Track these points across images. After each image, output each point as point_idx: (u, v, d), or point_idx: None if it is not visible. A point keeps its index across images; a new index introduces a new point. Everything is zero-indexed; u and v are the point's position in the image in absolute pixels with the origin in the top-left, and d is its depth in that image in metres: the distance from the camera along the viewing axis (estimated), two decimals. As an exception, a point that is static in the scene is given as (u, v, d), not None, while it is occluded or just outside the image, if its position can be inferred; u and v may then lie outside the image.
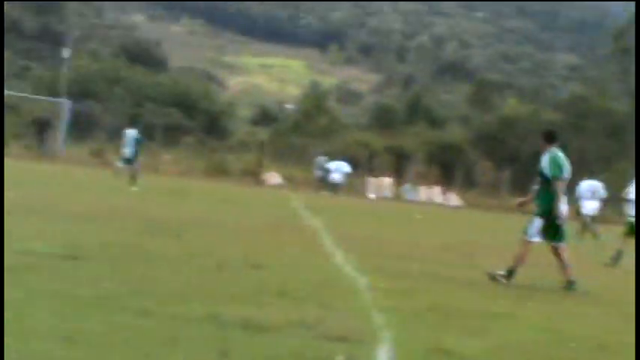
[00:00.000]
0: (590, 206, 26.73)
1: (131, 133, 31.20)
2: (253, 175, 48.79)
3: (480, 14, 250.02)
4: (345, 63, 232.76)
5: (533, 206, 12.36)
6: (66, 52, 61.45)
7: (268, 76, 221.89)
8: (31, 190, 20.80)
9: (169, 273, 9.51)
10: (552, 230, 12.13)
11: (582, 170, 42.16)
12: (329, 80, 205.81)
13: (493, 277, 11.81)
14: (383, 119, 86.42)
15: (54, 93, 57.08)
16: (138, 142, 30.83)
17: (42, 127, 52.79)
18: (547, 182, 12.18)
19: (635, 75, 65.23)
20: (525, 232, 12.14)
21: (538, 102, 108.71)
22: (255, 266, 10.74)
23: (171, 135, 59.77)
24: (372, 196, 46.78)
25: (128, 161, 30.42)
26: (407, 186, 48.89)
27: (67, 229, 13.00)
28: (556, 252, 12.25)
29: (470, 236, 22.36)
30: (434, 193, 48.45)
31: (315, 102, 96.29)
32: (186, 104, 77.04)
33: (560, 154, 12.35)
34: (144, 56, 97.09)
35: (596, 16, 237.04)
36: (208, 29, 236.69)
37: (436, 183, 50.92)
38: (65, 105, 52.56)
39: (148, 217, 12.45)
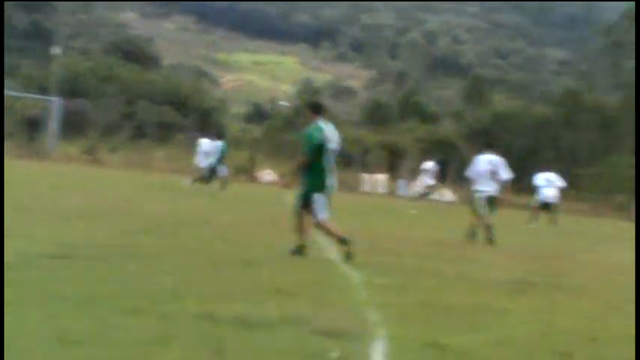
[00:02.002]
0: (549, 193, 27.08)
1: (217, 144, 32.31)
2: (247, 173, 48.79)
3: (471, 10, 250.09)
4: (338, 60, 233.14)
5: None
6: (56, 50, 61.36)
7: (261, 73, 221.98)
8: (22, 189, 20.75)
9: (162, 271, 9.48)
10: (310, 199, 12.12)
11: (575, 164, 42.43)
12: (322, 77, 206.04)
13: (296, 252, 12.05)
14: (376, 115, 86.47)
15: (45, 91, 57.03)
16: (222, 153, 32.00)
17: (33, 126, 52.75)
18: (318, 156, 12.07)
19: (635, 74, 65.33)
20: (314, 216, 12.14)
21: (530, 97, 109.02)
22: (250, 263, 10.73)
23: (163, 132, 59.82)
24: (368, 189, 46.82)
25: (212, 171, 31.70)
26: (401, 182, 48.87)
27: (58, 227, 12.97)
28: (301, 215, 12.31)
29: (464, 231, 22.36)
30: (428, 188, 48.40)
31: (308, 99, 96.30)
32: (178, 101, 77.00)
33: (322, 127, 12.19)
34: (136, 53, 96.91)
35: (586, 11, 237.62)
36: (200, 26, 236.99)
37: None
38: (56, 103, 52.48)
39: (140, 215, 12.42)
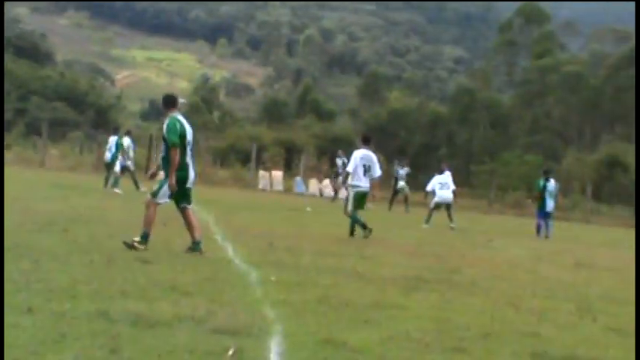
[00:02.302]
0: (444, 195, 27.54)
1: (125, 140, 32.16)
2: (144, 170, 48.32)
3: (367, 7, 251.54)
4: (235, 57, 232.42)
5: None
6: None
7: (157, 69, 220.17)
8: None
9: (56, 269, 9.37)
10: (180, 194, 12.35)
11: (470, 160, 43.07)
12: (219, 74, 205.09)
13: (131, 246, 11.85)
14: (273, 113, 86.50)
15: None
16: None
17: None
18: (169, 149, 12.23)
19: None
20: (154, 195, 12.29)
21: (425, 94, 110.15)
22: (145, 261, 10.66)
23: (58, 129, 58.89)
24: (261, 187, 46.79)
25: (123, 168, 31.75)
26: (297, 179, 48.93)
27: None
28: (185, 214, 12.56)
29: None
30: (324, 186, 48.57)
31: (205, 96, 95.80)
32: (73, 98, 75.91)
33: (180, 119, 12.39)
34: (29, 49, 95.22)
35: (481, 9, 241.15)
36: (95, 22, 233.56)
37: (326, 176, 51.11)
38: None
39: (33, 212, 12.21)
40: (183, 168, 12.20)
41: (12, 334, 6.09)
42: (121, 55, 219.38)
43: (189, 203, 12.60)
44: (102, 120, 73.91)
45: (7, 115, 62.85)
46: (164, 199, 12.27)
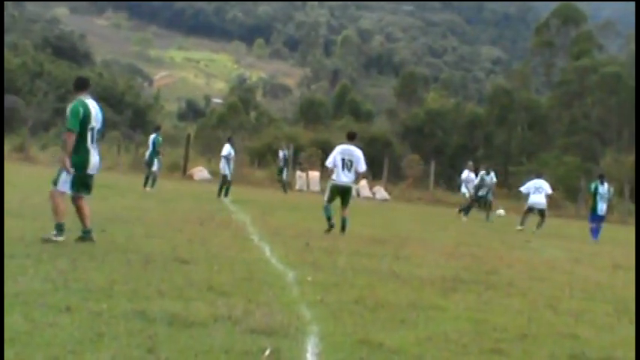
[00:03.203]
0: (537, 199, 27.69)
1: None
2: (181, 170, 48.57)
3: (405, 8, 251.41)
4: (272, 57, 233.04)
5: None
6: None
7: (194, 70, 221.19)
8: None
9: (94, 269, 9.40)
10: (80, 181, 11.85)
11: (508, 161, 42.89)
12: (256, 74, 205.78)
13: (47, 240, 11.42)
14: (310, 113, 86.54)
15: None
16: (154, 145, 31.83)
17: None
18: (81, 134, 11.70)
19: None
20: (54, 184, 11.81)
21: (463, 95, 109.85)
22: (182, 261, 10.68)
23: (96, 130, 59.14)
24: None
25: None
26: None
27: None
28: (76, 202, 12.07)
29: (397, 229, 22.49)
30: (361, 187, 48.60)
31: (242, 96, 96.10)
32: (111, 98, 76.18)
33: (87, 103, 11.83)
34: (68, 50, 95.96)
35: (520, 9, 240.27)
36: (133, 23, 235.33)
37: (363, 176, 51.13)
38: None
39: (71, 213, 12.28)
40: (82, 153, 11.70)
41: (50, 332, 6.12)
42: (158, 55, 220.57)
43: (88, 192, 12.16)
44: (139, 120, 74.23)
45: (45, 116, 63.27)
46: (65, 186, 11.73)
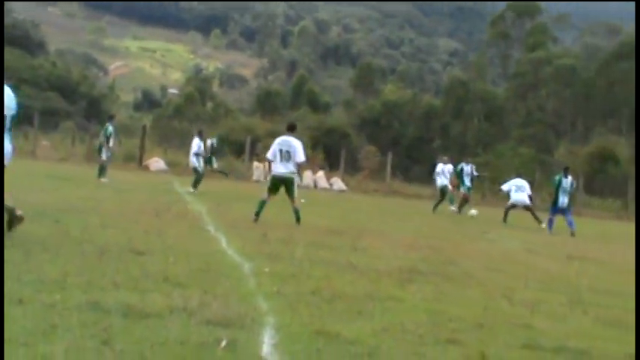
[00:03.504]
0: (520, 197, 27.96)
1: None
2: (137, 161, 48.29)
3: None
4: (229, 47, 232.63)
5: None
6: None
7: (150, 60, 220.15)
8: None
9: (47, 260, 9.30)
10: None
11: (464, 152, 43.15)
12: (212, 65, 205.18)
13: None
14: (267, 104, 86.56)
15: None
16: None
17: None
18: None
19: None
20: None
21: (420, 86, 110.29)
22: (138, 252, 10.60)
23: (49, 119, 58.71)
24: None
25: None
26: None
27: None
28: None
29: (354, 220, 22.51)
30: (318, 178, 48.61)
31: (198, 86, 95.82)
32: (65, 88, 75.69)
33: None
34: (21, 39, 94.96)
35: (476, 2, 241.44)
36: (87, 12, 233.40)
37: (320, 167, 51.16)
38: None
39: (24, 203, 12.14)
40: None
41: (3, 325, 6.03)
42: (113, 45, 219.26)
43: None
44: (94, 110, 73.78)
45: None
46: None
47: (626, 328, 8.64)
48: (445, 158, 34.72)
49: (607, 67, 78.22)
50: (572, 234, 25.56)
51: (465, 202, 32.93)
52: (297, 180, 18.07)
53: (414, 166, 64.70)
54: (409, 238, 17.45)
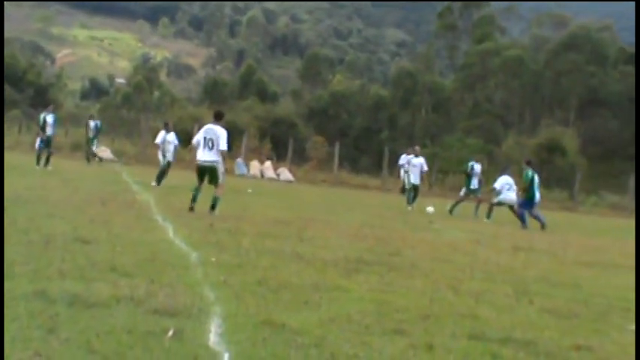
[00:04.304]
0: (510, 196, 27.50)
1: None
2: (83, 150, 47.92)
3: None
4: (177, 37, 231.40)
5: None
6: None
7: (98, 48, 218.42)
8: None
9: (-7, 250, 9.25)
10: None
11: (412, 143, 43.33)
12: (160, 54, 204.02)
13: None
14: (214, 93, 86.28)
15: None
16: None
17: None
18: None
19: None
20: None
21: (368, 77, 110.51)
22: (84, 241, 10.57)
23: (-5, 108, 58.03)
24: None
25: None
26: (239, 161, 48.83)
27: None
28: None
29: (301, 211, 22.56)
30: (265, 168, 48.58)
31: (146, 76, 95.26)
32: (12, 76, 74.86)
33: None
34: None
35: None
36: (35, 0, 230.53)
37: (268, 158, 51.15)
38: None
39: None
40: None
41: (-53, 314, 6.02)
42: (61, 33, 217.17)
43: None
44: (41, 99, 73.03)
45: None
46: None
47: (572, 319, 8.78)
48: (417, 148, 32.76)
49: (555, 58, 78.90)
50: (544, 226, 25.69)
51: (478, 204, 30.47)
52: (220, 168, 17.99)
53: (361, 157, 64.86)
54: (355, 229, 17.53)
